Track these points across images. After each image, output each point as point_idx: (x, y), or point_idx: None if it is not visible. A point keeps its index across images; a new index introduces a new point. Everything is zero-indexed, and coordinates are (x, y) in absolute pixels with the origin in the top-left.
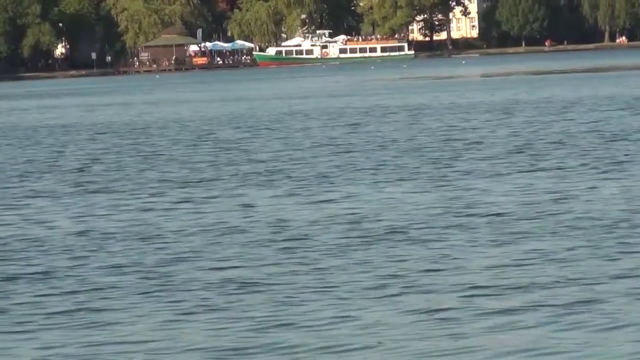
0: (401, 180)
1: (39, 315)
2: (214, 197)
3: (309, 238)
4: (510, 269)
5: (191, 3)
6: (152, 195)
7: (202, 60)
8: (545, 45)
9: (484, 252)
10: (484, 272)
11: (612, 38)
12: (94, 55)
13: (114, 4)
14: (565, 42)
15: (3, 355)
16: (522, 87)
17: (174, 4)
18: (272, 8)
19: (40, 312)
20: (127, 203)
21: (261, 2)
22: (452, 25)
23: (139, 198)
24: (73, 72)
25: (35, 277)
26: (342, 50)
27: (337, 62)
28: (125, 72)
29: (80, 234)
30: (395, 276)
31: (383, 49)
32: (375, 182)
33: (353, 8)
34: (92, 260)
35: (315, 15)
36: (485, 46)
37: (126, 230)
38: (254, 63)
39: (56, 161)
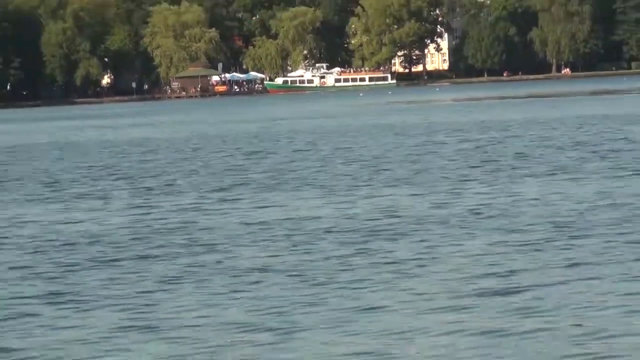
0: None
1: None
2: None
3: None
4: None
5: (213, 41)
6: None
7: (222, 88)
8: (503, 76)
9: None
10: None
11: (559, 69)
12: (133, 84)
13: (150, 42)
14: (520, 73)
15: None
16: (484, 109)
17: (199, 41)
18: (279, 45)
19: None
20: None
21: (270, 40)
22: (427, 59)
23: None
24: (117, 98)
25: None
26: (337, 80)
27: (333, 90)
28: (159, 98)
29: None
30: None
31: (371, 79)
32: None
33: (346, 45)
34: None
35: (315, 51)
36: (454, 76)
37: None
38: (264, 90)
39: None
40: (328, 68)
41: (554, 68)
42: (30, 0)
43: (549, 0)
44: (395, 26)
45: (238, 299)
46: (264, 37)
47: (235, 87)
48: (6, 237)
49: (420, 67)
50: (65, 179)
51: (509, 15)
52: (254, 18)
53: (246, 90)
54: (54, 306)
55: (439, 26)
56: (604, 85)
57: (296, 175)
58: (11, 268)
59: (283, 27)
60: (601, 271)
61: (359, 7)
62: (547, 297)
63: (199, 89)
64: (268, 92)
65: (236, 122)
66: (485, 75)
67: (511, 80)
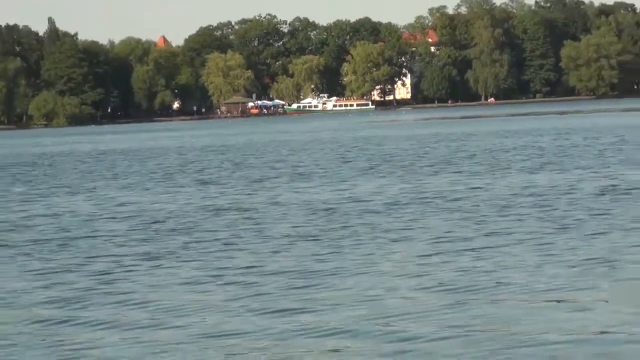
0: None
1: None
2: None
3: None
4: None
5: (249, 79)
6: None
7: (255, 111)
8: (448, 103)
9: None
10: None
11: (486, 99)
12: (194, 108)
13: (206, 79)
14: (459, 101)
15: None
16: (432, 125)
17: (239, 79)
18: (294, 82)
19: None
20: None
21: (289, 78)
22: (396, 91)
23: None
24: (182, 118)
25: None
26: (334, 105)
27: (331, 112)
28: (212, 118)
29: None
30: None
31: (357, 105)
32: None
33: (340, 82)
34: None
35: (319, 85)
36: (414, 103)
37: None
38: (284, 112)
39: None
40: (328, 97)
41: (482, 98)
42: (124, 50)
43: (479, 51)
44: (374, 69)
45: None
46: (284, 76)
47: (264, 110)
48: (118, 212)
49: (391, 97)
50: (167, 172)
51: (452, 62)
52: (277, 63)
53: (271, 112)
54: (150, 261)
55: (404, 69)
56: (516, 109)
57: (304, 169)
58: (122, 234)
59: (297, 69)
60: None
61: (349, 55)
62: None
63: (239, 112)
64: (287, 114)
65: (271, 133)
66: (436, 103)
67: (453, 106)
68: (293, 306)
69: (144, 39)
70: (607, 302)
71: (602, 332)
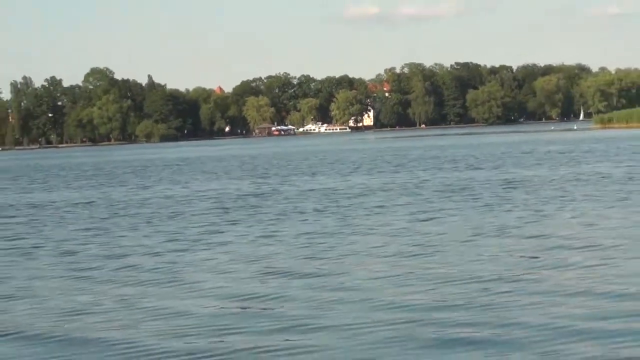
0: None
1: None
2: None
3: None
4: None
5: (272, 113)
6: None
7: (276, 133)
8: (396, 128)
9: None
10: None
11: (420, 125)
12: (238, 131)
13: (246, 112)
14: (403, 127)
15: None
16: (387, 142)
17: (266, 113)
18: (301, 115)
19: None
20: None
21: (297, 112)
22: (364, 120)
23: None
24: (231, 137)
25: None
26: (325, 129)
27: (325, 134)
28: (249, 137)
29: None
30: None
31: (340, 129)
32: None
33: (329, 114)
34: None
35: (316, 117)
36: (375, 128)
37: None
38: (294, 134)
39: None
40: (321, 124)
41: (417, 124)
42: (195, 94)
43: (415, 95)
44: (350, 106)
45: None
46: (294, 111)
47: (282, 132)
48: (203, 195)
49: (360, 124)
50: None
51: (398, 102)
52: (290, 103)
53: (286, 133)
54: (229, 224)
55: (368, 106)
56: (437, 132)
57: (324, 167)
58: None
59: (302, 107)
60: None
61: (335, 98)
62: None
63: (266, 133)
64: (296, 135)
65: (289, 147)
66: (388, 128)
67: (400, 130)
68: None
69: (207, 87)
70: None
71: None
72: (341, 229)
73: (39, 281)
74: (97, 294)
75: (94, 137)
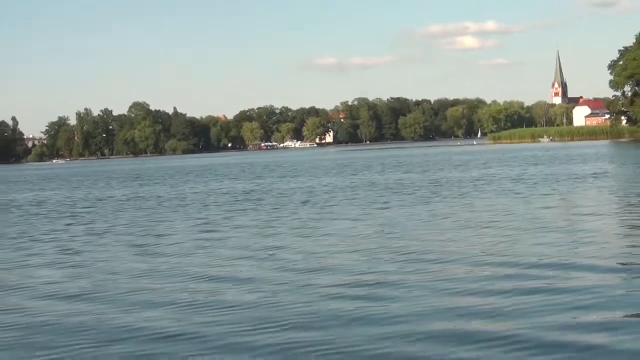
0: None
1: None
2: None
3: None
4: None
5: (262, 134)
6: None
7: (264, 148)
8: (349, 144)
9: None
10: None
11: (365, 141)
12: (237, 146)
13: (243, 133)
14: (354, 143)
15: None
16: (344, 154)
17: (257, 134)
18: (282, 135)
19: None
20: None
21: (279, 133)
22: (326, 139)
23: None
24: (233, 151)
25: None
26: (300, 145)
27: (299, 149)
28: (245, 151)
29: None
30: None
31: (309, 145)
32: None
33: (302, 134)
34: None
35: (292, 136)
36: (335, 144)
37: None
38: (277, 149)
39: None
40: (296, 141)
41: (363, 141)
42: (206, 120)
43: (363, 121)
44: (317, 129)
45: None
46: (277, 132)
47: (268, 147)
48: (219, 191)
49: (324, 141)
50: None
51: (350, 126)
52: (274, 126)
53: (272, 149)
54: (241, 210)
55: (330, 128)
56: (376, 146)
57: (302, 172)
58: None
59: (283, 129)
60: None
61: (306, 123)
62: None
63: (257, 148)
64: (278, 149)
65: (274, 157)
66: (343, 143)
67: (351, 145)
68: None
69: (215, 115)
70: None
71: None
72: (321, 215)
73: (110, 253)
74: (159, 257)
75: (135, 151)
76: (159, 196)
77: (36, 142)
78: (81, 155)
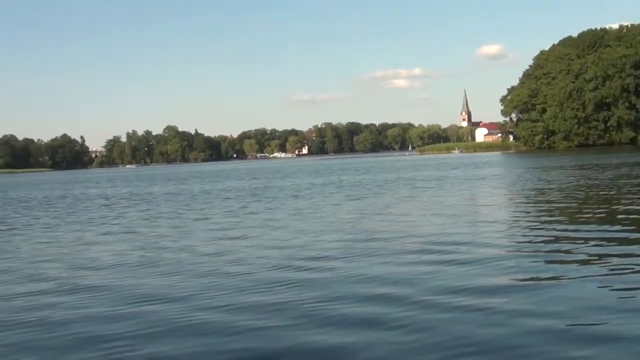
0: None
1: None
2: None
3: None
4: None
5: (257, 148)
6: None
7: (259, 158)
8: (318, 155)
9: None
10: None
11: (330, 153)
12: (241, 157)
13: (244, 147)
14: (323, 155)
15: None
16: (317, 162)
17: (254, 147)
18: (272, 148)
19: None
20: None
21: (269, 147)
22: (303, 150)
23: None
24: (237, 161)
25: None
26: (284, 156)
27: (283, 159)
28: (245, 160)
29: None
30: None
31: (291, 156)
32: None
33: (285, 148)
34: None
35: (279, 149)
36: (309, 155)
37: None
38: (267, 158)
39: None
40: (282, 153)
41: (329, 153)
42: (219, 139)
43: (328, 139)
44: (297, 144)
45: None
46: (267, 147)
47: (262, 158)
48: (231, 188)
49: (301, 153)
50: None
51: (319, 141)
52: (266, 142)
53: (264, 158)
54: (251, 202)
55: (305, 144)
56: (342, 156)
57: (287, 174)
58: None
59: (272, 145)
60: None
61: (288, 140)
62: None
63: (254, 158)
64: (268, 159)
65: (266, 165)
66: (315, 155)
67: (320, 155)
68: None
69: (224, 134)
70: None
71: None
72: (308, 206)
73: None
74: (201, 233)
75: (168, 160)
76: (188, 192)
77: (97, 153)
78: (129, 162)
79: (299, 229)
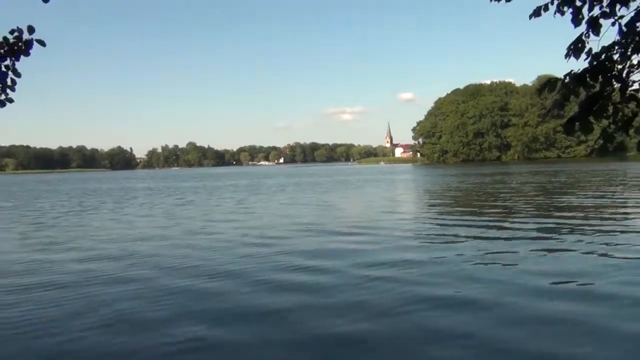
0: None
1: None
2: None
3: None
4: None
5: (249, 157)
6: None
7: (251, 164)
8: (292, 162)
9: None
10: None
11: (300, 162)
12: (239, 164)
13: (241, 157)
14: (294, 163)
15: None
16: (292, 169)
17: (246, 156)
18: (259, 159)
19: None
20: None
21: (257, 157)
22: (281, 160)
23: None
24: (235, 166)
25: None
26: (268, 164)
27: (267, 166)
28: (241, 166)
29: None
30: None
31: (274, 164)
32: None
33: (268, 159)
34: None
35: (265, 160)
36: (284, 163)
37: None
38: (257, 165)
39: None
40: (266, 161)
41: (299, 162)
42: (223, 151)
43: (298, 152)
44: (275, 156)
45: None
46: (257, 157)
47: (253, 164)
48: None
49: (279, 162)
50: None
51: (291, 154)
52: (255, 154)
53: (254, 165)
54: (248, 195)
55: (282, 156)
56: (308, 165)
57: (271, 175)
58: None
59: (259, 156)
60: None
61: (270, 153)
62: None
63: (248, 164)
64: (258, 165)
65: (256, 170)
66: (289, 163)
67: (292, 163)
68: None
69: (227, 148)
70: None
71: None
72: (289, 198)
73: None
74: (212, 215)
75: (189, 165)
76: (203, 187)
77: (140, 159)
78: (162, 167)
79: (284, 214)
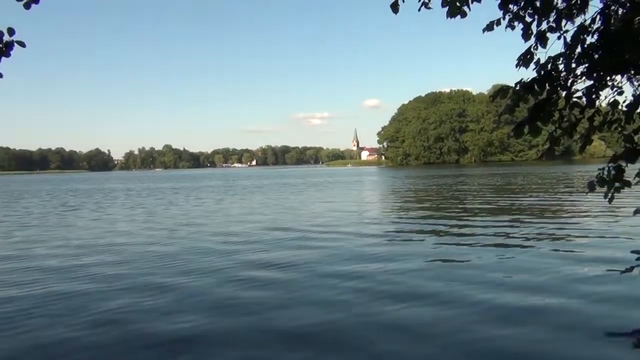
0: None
1: None
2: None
3: None
4: None
5: (223, 159)
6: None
7: (224, 167)
8: (262, 166)
9: None
10: None
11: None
12: (213, 166)
13: (215, 159)
14: (262, 165)
15: None
16: (263, 170)
17: (221, 160)
18: (232, 161)
19: None
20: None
21: (231, 160)
22: (253, 162)
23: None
24: (225, 166)
25: None
26: (241, 166)
27: (240, 168)
28: (215, 168)
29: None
30: None
31: (246, 166)
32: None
33: (241, 161)
34: None
35: (240, 162)
36: (257, 165)
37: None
38: (230, 167)
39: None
40: (240, 164)
41: (271, 165)
42: (197, 153)
43: (270, 155)
44: (249, 158)
45: None
46: (230, 159)
47: (226, 166)
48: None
49: (252, 164)
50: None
51: (264, 157)
52: (229, 157)
53: (227, 167)
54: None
55: (254, 158)
56: (281, 167)
57: (242, 177)
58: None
59: (233, 158)
60: None
61: (243, 155)
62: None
63: (222, 166)
64: (230, 167)
65: (229, 171)
66: (262, 165)
67: (262, 166)
68: None
69: (203, 150)
70: None
71: None
72: (273, 197)
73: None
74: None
75: (166, 167)
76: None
77: (118, 161)
78: (138, 168)
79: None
